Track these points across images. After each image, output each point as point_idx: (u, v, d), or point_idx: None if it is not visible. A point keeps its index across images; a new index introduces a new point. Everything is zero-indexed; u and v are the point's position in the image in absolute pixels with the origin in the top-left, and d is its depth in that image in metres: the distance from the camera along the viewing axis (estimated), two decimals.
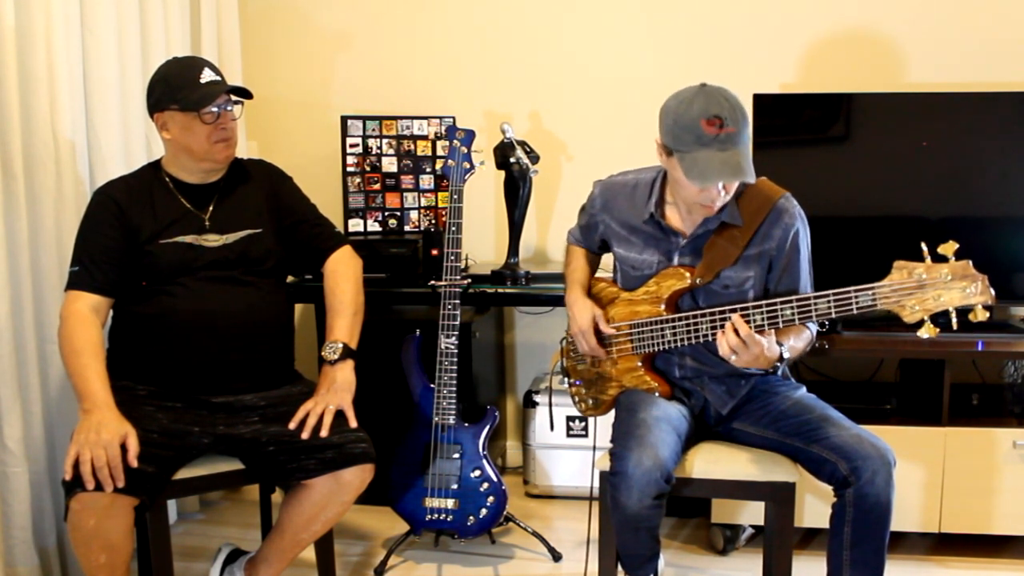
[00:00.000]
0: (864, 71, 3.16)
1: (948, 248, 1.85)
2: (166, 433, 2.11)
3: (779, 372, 2.32)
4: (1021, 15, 3.07)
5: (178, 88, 2.21)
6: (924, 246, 1.88)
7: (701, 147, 1.98)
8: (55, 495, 2.52)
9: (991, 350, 2.68)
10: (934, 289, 1.88)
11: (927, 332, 1.89)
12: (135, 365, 2.24)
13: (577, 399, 2.45)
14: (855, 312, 1.94)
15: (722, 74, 3.19)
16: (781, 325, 2.03)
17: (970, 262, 1.86)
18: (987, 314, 1.85)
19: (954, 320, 1.88)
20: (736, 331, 1.98)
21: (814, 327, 2.21)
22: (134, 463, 1.98)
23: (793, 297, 2.02)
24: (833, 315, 1.97)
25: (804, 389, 2.26)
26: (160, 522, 2.16)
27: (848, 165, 2.92)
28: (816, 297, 1.99)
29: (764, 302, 2.04)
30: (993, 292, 1.85)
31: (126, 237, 2.22)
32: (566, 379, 2.48)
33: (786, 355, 2.05)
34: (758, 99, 2.88)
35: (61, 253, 2.47)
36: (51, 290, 2.46)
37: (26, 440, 2.40)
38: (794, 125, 2.93)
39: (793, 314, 2.01)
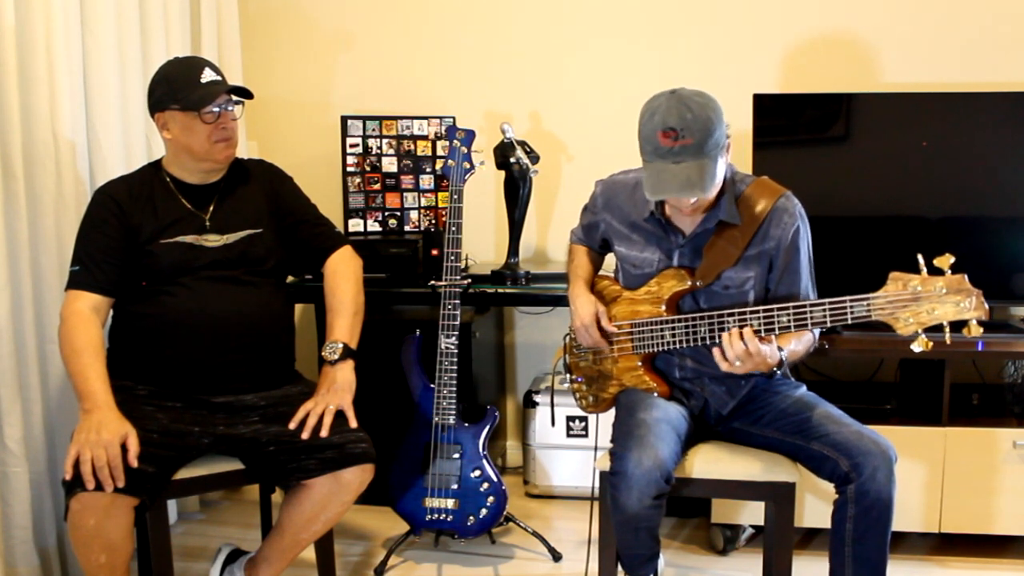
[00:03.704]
0: (864, 71, 3.16)
1: (944, 261, 1.86)
2: (166, 433, 2.11)
3: (779, 373, 2.32)
4: (1021, 15, 3.07)
5: (179, 88, 2.21)
6: (921, 258, 1.88)
7: (658, 158, 2.00)
8: (55, 495, 2.52)
9: (991, 350, 2.68)
10: (928, 302, 1.88)
11: (920, 345, 1.90)
12: (135, 365, 2.24)
13: (578, 396, 2.45)
14: (849, 321, 1.96)
15: (722, 74, 3.22)
16: (777, 332, 2.04)
17: (965, 276, 1.87)
18: (981, 329, 1.86)
19: (947, 335, 1.88)
20: (742, 340, 1.98)
21: (816, 331, 2.21)
22: (134, 463, 1.98)
23: (790, 304, 2.02)
24: (828, 324, 1.98)
25: (804, 388, 2.26)
26: (160, 522, 2.16)
27: (848, 165, 2.92)
28: (812, 305, 2.00)
29: (762, 308, 2.05)
30: (987, 307, 1.86)
31: (126, 237, 2.22)
32: (568, 375, 2.48)
33: (786, 360, 2.06)
34: (758, 99, 2.88)
35: (61, 253, 2.47)
36: (51, 290, 2.46)
37: (26, 440, 2.40)
38: (794, 125, 2.93)
39: (789, 321, 2.02)
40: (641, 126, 2.02)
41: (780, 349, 2.03)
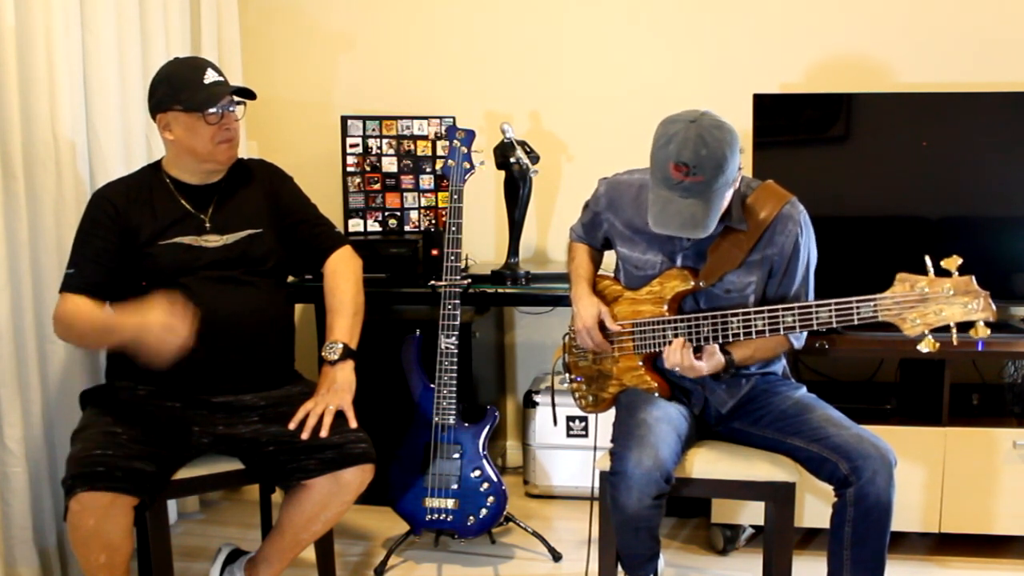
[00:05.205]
0: (864, 71, 3.16)
1: (951, 263, 1.86)
2: (166, 433, 2.11)
3: (779, 371, 2.32)
4: (1021, 15, 3.07)
5: (182, 89, 2.20)
6: (928, 260, 1.89)
7: (666, 188, 1.99)
8: (55, 495, 2.51)
9: (991, 350, 2.67)
10: (936, 303, 1.88)
11: (927, 346, 1.91)
12: (135, 365, 2.23)
13: (578, 395, 2.45)
14: (856, 322, 1.96)
15: (722, 74, 3.22)
16: (782, 332, 2.05)
17: (973, 278, 1.87)
18: (988, 331, 1.87)
19: (954, 336, 1.89)
20: (680, 356, 2.10)
21: (796, 342, 2.22)
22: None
23: (795, 305, 2.03)
24: (834, 324, 1.99)
25: (804, 389, 2.26)
26: (160, 522, 2.16)
27: (848, 165, 2.92)
28: (818, 306, 2.00)
29: (767, 308, 2.05)
30: (995, 308, 1.87)
31: (123, 239, 2.22)
32: (567, 375, 2.48)
33: (735, 363, 2.14)
34: (758, 99, 2.88)
35: (61, 253, 2.46)
36: (51, 290, 2.46)
37: (26, 440, 2.40)
38: (794, 125, 2.93)
39: (795, 321, 2.02)
40: (655, 149, 2.00)
41: (727, 353, 2.12)
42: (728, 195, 2.03)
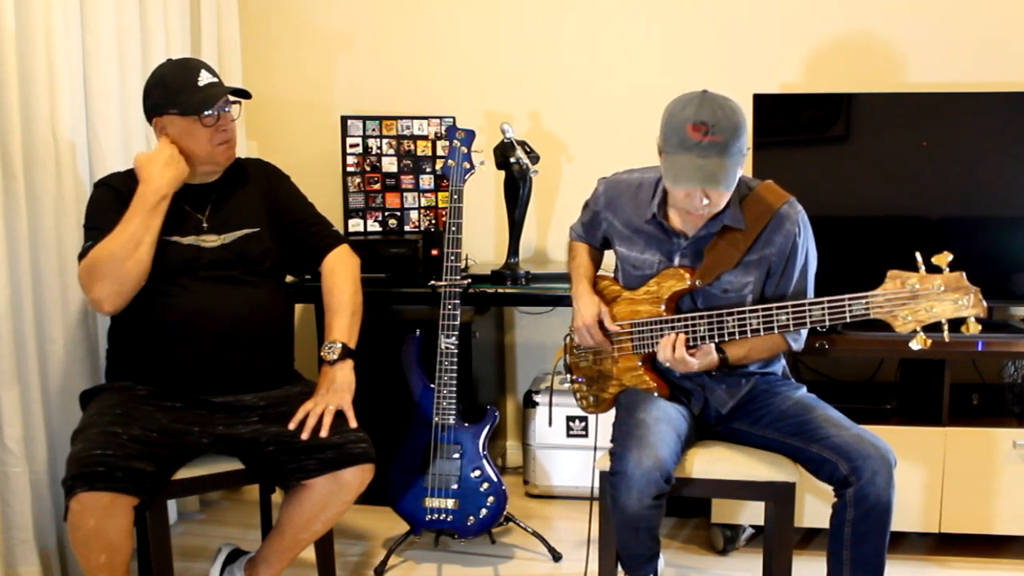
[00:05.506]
0: (864, 71, 3.16)
1: (942, 259, 1.86)
2: (166, 433, 2.11)
3: (779, 372, 2.32)
4: (1021, 15, 3.07)
5: (177, 92, 2.20)
6: (919, 256, 1.89)
7: (683, 151, 1.99)
8: (55, 495, 2.51)
9: (991, 350, 2.67)
10: (927, 300, 1.89)
11: (919, 343, 1.91)
12: (135, 365, 2.24)
13: (579, 396, 2.45)
14: (848, 320, 1.97)
15: (722, 74, 3.22)
16: (776, 330, 2.06)
17: (963, 274, 1.87)
18: (979, 327, 1.87)
19: (946, 333, 1.89)
20: (673, 349, 2.10)
21: (795, 344, 2.22)
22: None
23: (788, 303, 2.04)
24: (827, 322, 1.99)
25: (804, 389, 2.26)
26: (160, 522, 2.16)
27: (848, 165, 2.92)
28: (811, 304, 2.01)
29: (761, 307, 2.06)
30: (986, 304, 1.88)
31: None
32: (568, 376, 2.48)
33: (729, 361, 2.14)
34: (758, 99, 2.88)
35: (61, 253, 2.47)
36: (51, 290, 2.46)
37: (26, 440, 2.40)
38: (794, 125, 2.93)
39: (788, 319, 2.02)
40: (668, 117, 2.01)
41: (721, 351, 2.11)
42: (740, 168, 2.04)
